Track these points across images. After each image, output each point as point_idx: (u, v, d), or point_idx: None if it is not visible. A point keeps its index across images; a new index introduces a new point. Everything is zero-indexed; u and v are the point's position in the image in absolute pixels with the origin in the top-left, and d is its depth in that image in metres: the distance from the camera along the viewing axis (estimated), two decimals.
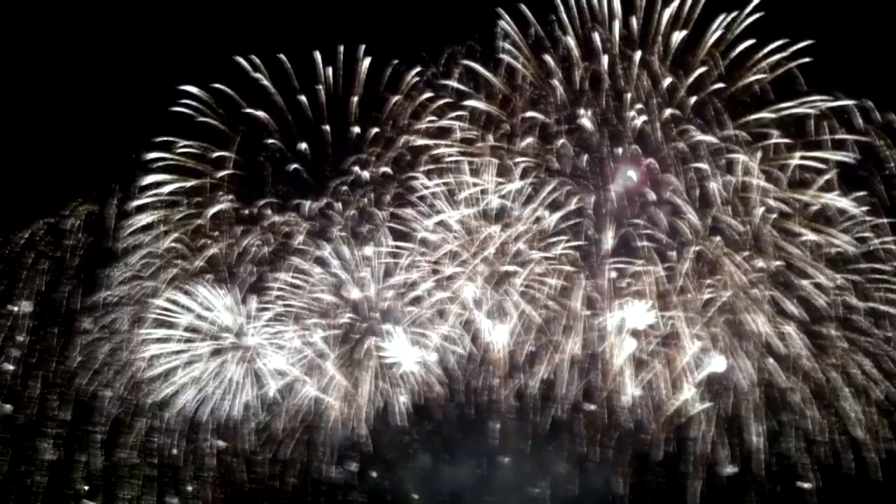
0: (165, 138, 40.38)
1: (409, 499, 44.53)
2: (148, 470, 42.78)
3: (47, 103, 43.12)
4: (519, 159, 39.09)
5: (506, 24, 38.77)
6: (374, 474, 43.49)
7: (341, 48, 40.46)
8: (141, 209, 40.67)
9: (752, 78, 37.91)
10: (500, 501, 44.58)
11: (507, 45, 39.01)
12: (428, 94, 40.28)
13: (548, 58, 38.93)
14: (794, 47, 37.10)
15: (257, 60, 40.24)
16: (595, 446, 41.90)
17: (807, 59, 37.05)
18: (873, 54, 38.15)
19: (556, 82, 38.82)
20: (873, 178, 37.29)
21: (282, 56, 40.22)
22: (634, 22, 38.13)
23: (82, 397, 42.23)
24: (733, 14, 37.75)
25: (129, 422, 42.20)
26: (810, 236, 37.54)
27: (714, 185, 37.63)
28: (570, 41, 38.42)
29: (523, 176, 38.96)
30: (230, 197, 40.90)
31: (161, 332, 40.65)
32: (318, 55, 40.47)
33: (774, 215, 37.79)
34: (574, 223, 39.01)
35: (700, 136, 37.72)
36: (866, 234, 37.56)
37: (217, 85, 40.29)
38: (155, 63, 42.29)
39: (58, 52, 44.13)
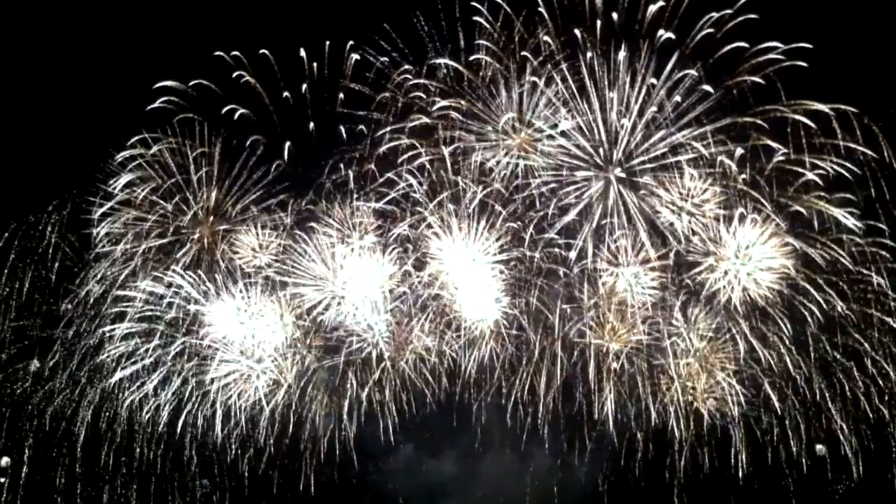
0: (147, 135, 40.44)
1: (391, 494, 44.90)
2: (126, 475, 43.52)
3: (27, 101, 42.98)
4: (501, 158, 39.16)
5: (486, 22, 38.78)
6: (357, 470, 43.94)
7: (327, 44, 40.54)
8: (123, 204, 40.70)
9: (738, 79, 37.68)
10: (481, 497, 44.94)
11: (489, 44, 38.98)
12: (413, 94, 40.30)
13: (529, 56, 38.85)
14: (780, 49, 36.78)
15: (242, 57, 40.43)
16: (574, 447, 42.65)
17: (793, 63, 36.78)
18: (861, 61, 38.03)
19: (538, 81, 38.68)
20: (853, 183, 37.41)
21: (266, 52, 40.34)
22: (617, 18, 37.88)
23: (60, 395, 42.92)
24: (723, 13, 37.35)
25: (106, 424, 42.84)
26: (791, 240, 37.68)
27: (693, 190, 37.68)
28: (551, 40, 38.31)
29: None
30: (213, 194, 40.87)
31: (141, 327, 40.99)
32: (303, 52, 40.50)
33: (755, 216, 37.82)
34: (555, 223, 39.25)
35: (681, 139, 37.63)
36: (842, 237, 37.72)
37: (200, 81, 40.28)
38: (135, 60, 42.08)
39: (40, 50, 43.94)
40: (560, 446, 43.04)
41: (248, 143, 40.76)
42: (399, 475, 44.72)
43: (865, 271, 37.79)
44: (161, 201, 40.70)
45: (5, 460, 42.72)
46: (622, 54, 37.66)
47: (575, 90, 38.06)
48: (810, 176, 37.04)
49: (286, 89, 40.51)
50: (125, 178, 40.34)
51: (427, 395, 41.55)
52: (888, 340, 39.03)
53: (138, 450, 43.04)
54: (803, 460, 40.53)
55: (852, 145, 36.57)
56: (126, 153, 40.38)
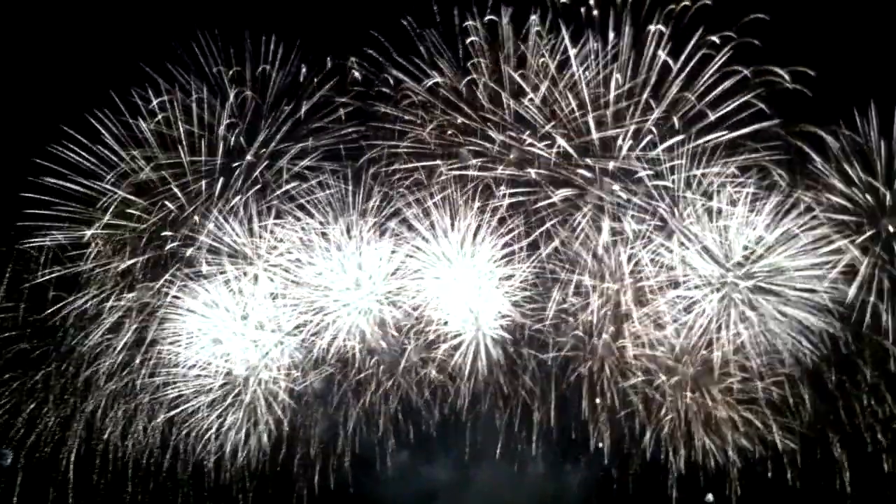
0: (148, 150, 40.85)
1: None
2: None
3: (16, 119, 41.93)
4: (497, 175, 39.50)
5: (484, 41, 39.30)
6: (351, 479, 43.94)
7: (328, 60, 40.92)
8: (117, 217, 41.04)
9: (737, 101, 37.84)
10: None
11: (487, 63, 39.45)
12: (412, 111, 40.73)
13: (528, 73, 39.24)
14: (781, 73, 37.05)
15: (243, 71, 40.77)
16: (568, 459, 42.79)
17: (794, 86, 37.07)
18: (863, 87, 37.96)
19: (535, 97, 39.02)
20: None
21: (266, 67, 40.71)
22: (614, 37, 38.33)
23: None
24: (723, 33, 37.52)
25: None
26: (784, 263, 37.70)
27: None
28: (549, 59, 38.63)
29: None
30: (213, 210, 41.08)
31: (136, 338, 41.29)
32: (304, 69, 40.88)
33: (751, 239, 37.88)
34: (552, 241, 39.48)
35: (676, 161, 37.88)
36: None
37: (199, 96, 40.69)
38: (132, 74, 41.86)
39: (28, 63, 43.03)
40: (554, 459, 43.21)
41: (246, 158, 41.24)
42: (393, 484, 44.49)
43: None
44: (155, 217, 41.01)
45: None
46: (616, 75, 38.21)
47: (574, 107, 38.60)
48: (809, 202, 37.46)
49: (286, 105, 41.04)
50: (120, 194, 40.69)
51: (421, 407, 41.82)
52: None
53: (131, 463, 43.32)
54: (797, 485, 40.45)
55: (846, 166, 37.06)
56: (120, 169, 40.85)
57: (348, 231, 40.48)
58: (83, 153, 40.66)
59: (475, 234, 39.49)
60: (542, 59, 38.55)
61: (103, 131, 40.63)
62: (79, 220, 41.13)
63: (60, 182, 40.56)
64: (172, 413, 41.67)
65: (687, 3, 37.50)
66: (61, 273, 41.57)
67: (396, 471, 43.72)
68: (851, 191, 37.58)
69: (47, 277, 41.60)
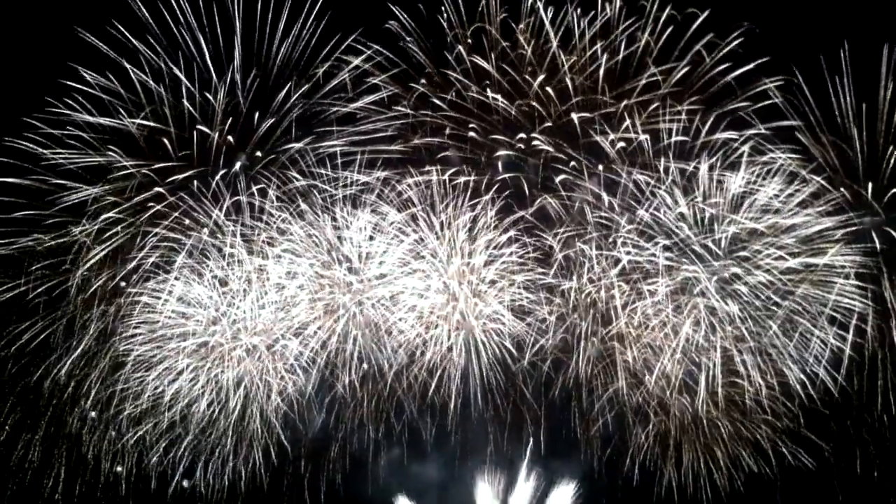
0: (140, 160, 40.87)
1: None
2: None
3: None
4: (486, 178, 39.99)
5: (472, 49, 39.77)
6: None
7: (320, 72, 41.21)
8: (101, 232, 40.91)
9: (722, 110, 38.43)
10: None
11: (473, 67, 39.98)
12: (403, 120, 41.02)
13: (518, 81, 39.78)
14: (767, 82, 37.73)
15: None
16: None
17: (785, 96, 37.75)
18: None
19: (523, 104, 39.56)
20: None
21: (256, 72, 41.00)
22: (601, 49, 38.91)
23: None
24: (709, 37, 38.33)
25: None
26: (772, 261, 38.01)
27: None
28: (537, 68, 39.17)
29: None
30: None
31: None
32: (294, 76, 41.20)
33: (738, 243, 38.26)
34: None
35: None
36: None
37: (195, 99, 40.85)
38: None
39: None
40: (543, 462, 43.22)
41: (237, 163, 41.40)
42: (384, 485, 44.45)
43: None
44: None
45: None
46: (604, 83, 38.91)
47: (563, 112, 39.23)
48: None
49: (278, 111, 41.23)
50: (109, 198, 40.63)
51: (413, 409, 41.95)
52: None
53: (122, 473, 43.34)
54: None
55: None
56: (112, 178, 40.74)
57: (339, 234, 40.68)
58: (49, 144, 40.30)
59: (465, 238, 39.80)
60: (530, 68, 39.14)
61: (76, 119, 40.44)
62: (58, 224, 41.12)
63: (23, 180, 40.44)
64: (160, 419, 41.62)
65: (673, 12, 38.23)
66: (47, 278, 41.61)
67: (387, 471, 43.80)
68: (835, 191, 38.16)
69: (31, 284, 41.54)
